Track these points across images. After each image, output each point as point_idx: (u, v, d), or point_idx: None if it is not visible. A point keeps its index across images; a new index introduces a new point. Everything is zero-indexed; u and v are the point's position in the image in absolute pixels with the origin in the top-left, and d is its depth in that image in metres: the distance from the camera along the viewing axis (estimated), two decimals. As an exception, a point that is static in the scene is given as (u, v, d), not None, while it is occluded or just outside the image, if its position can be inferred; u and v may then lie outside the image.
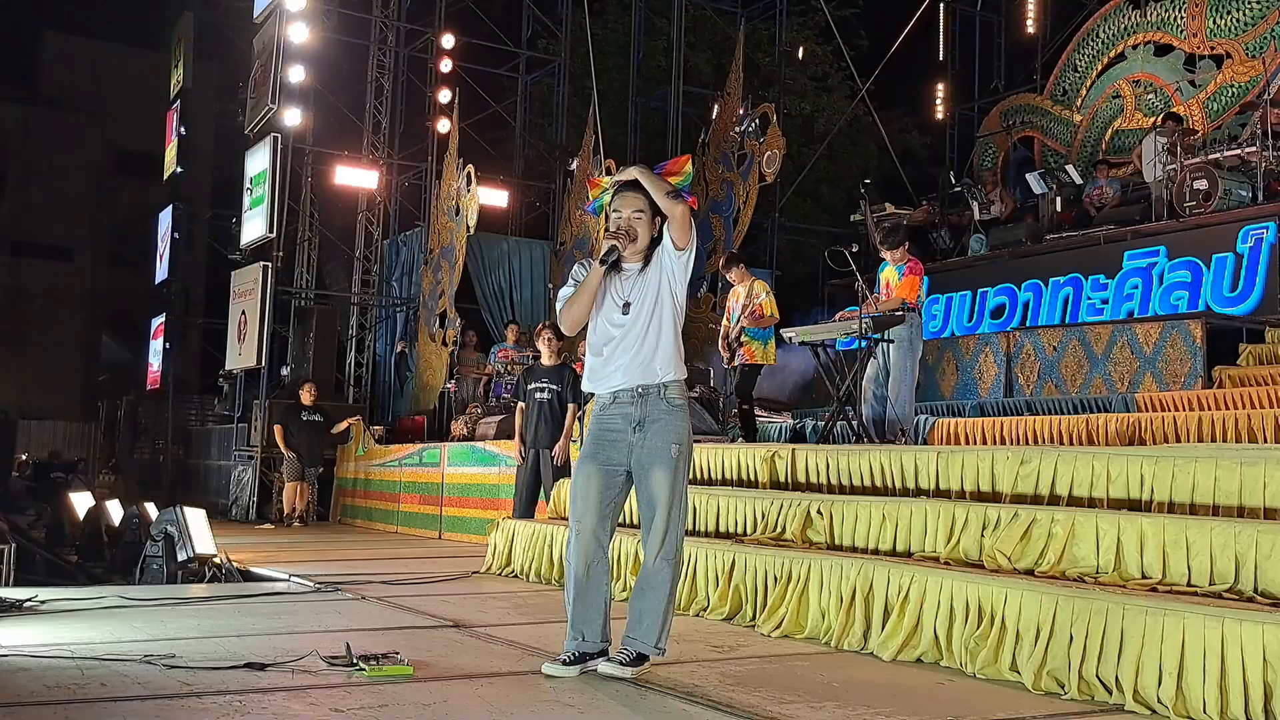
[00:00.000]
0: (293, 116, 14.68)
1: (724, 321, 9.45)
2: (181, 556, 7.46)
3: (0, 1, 26.72)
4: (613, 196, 4.11)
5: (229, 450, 15.42)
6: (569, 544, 4.10)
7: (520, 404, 8.76)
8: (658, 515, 3.98)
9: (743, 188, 14.46)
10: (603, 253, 4.01)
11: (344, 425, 13.48)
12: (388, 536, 11.78)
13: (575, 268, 4.16)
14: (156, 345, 19.79)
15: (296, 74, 14.62)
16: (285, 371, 15.56)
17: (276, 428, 12.78)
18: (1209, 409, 7.51)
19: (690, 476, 7.31)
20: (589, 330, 4.14)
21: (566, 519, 7.65)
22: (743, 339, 9.12)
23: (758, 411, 11.11)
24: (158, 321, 19.84)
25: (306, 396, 12.97)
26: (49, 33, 29.52)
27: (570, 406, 8.58)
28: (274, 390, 14.79)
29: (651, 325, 4.00)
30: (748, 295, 9.14)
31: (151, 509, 8.90)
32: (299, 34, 14.61)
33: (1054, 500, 5.04)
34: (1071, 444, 7.25)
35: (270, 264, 14.45)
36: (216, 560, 7.49)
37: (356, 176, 17.17)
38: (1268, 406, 7.21)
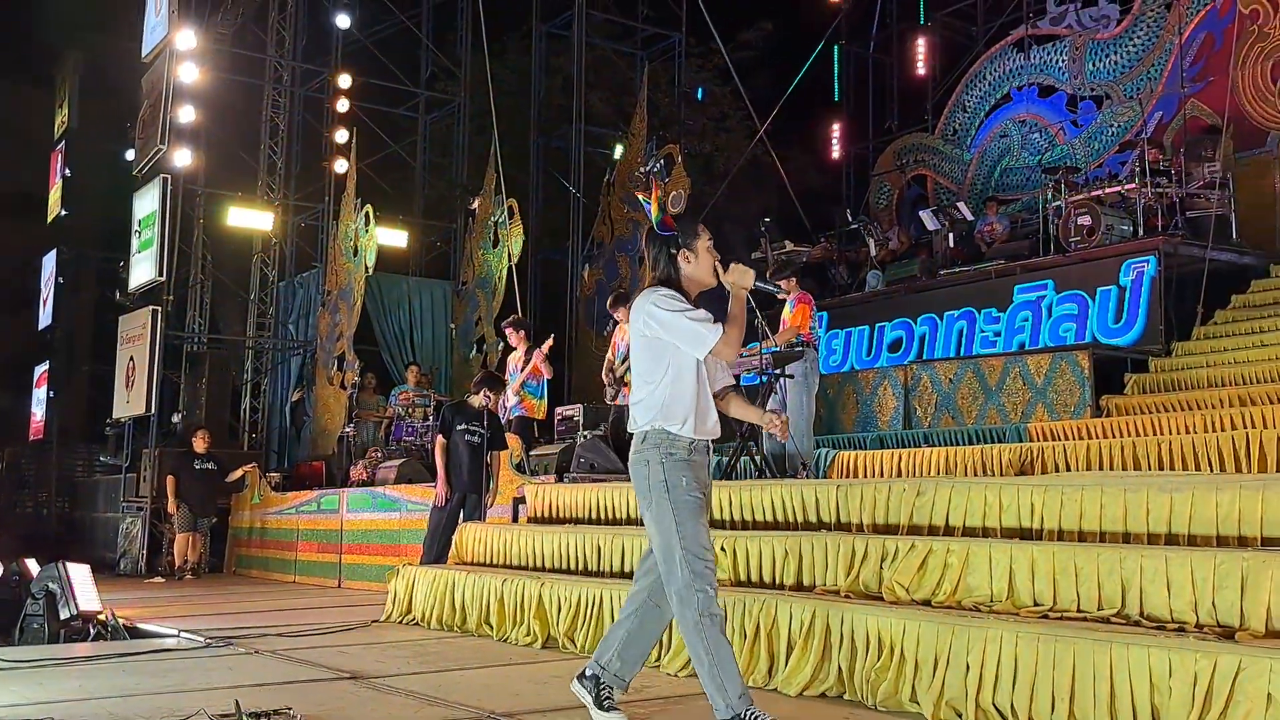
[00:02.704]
0: (183, 157, 14.36)
1: (609, 355, 9.63)
2: (64, 614, 7.15)
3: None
4: (688, 227, 3.89)
5: (117, 501, 14.87)
6: (710, 594, 3.65)
7: (441, 438, 8.47)
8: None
9: (648, 225, 14.54)
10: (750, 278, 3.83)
11: (239, 473, 13.12)
12: (285, 587, 11.46)
13: (679, 295, 3.80)
14: (40, 393, 19.09)
15: (187, 114, 14.32)
16: (176, 419, 15.12)
17: (168, 478, 12.39)
18: (1097, 438, 7.72)
19: (599, 517, 7.36)
20: (689, 374, 3.76)
21: (471, 564, 7.55)
22: (627, 377, 9.26)
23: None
24: (41, 369, 19.16)
25: (199, 444, 12.61)
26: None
27: (496, 455, 8.47)
28: (165, 438, 14.34)
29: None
30: None
31: (33, 565, 8.53)
32: (189, 74, 14.33)
33: (950, 530, 5.11)
34: (968, 474, 7.38)
35: (160, 308, 14.06)
36: (102, 617, 7.19)
37: (250, 218, 16.83)
38: (1152, 434, 7.43)
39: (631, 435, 3.85)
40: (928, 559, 4.66)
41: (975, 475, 7.26)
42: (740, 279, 3.80)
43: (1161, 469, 6.53)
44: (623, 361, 9.36)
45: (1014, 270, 11.55)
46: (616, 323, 9.85)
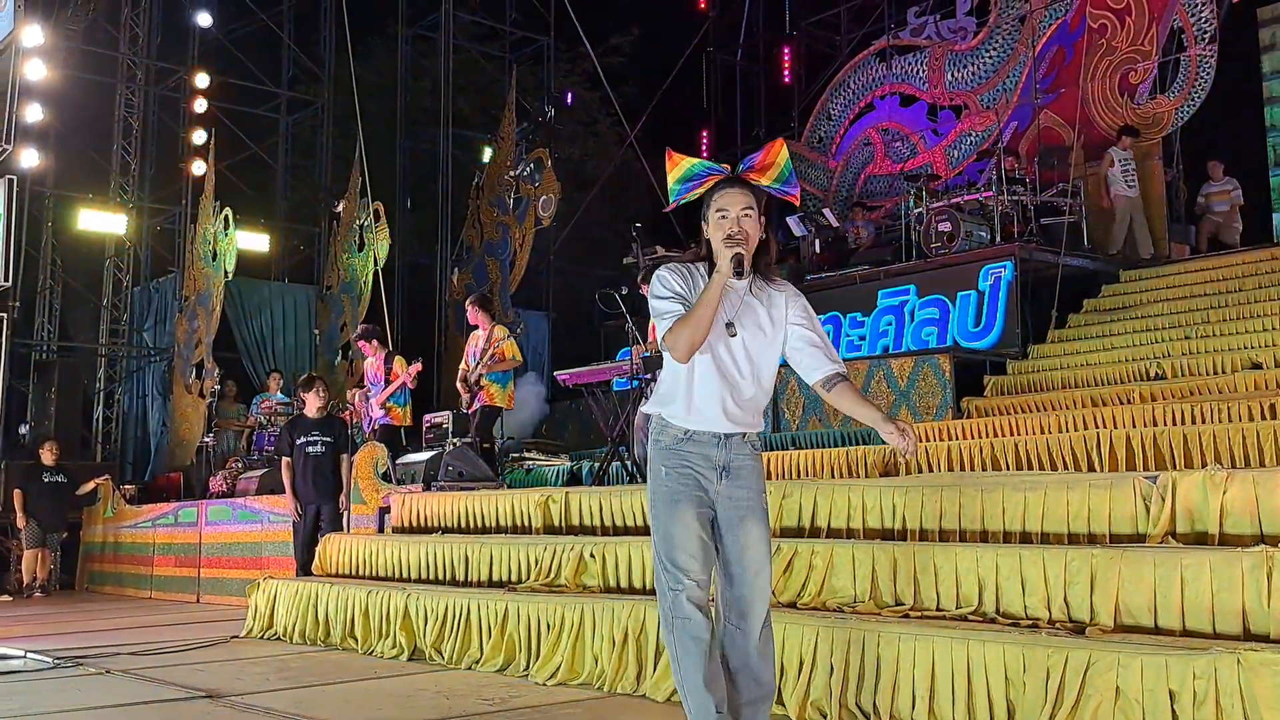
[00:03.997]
0: (30, 158, 13.67)
1: (462, 364, 9.62)
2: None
3: None
4: (709, 192, 3.48)
5: (-40, 518, 14.07)
6: (679, 594, 3.25)
7: (286, 459, 8.40)
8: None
9: (519, 231, 14.45)
10: (729, 261, 3.23)
11: (90, 486, 12.57)
12: (141, 603, 11.00)
13: (669, 278, 3.42)
14: (-126, 407, 17.95)
15: (34, 113, 13.63)
16: (24, 430, 14.39)
17: (16, 492, 11.80)
18: (958, 439, 7.94)
19: (468, 525, 7.25)
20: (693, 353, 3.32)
21: (335, 576, 7.36)
22: (483, 382, 9.24)
23: (535, 454, 11.13)
24: (-125, 380, 18.02)
25: (48, 456, 12.05)
26: None
27: (345, 459, 8.40)
28: (12, 451, 13.63)
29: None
30: (487, 340, 9.36)
31: None
32: (36, 71, 13.63)
33: (815, 532, 5.18)
34: (834, 476, 7.50)
35: (6, 315, 13.34)
36: (-61, 641, 6.77)
37: (103, 220, 16.12)
38: (1009, 435, 7.67)
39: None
40: (793, 561, 4.71)
41: (841, 477, 7.38)
42: (720, 262, 3.29)
43: (1019, 469, 6.74)
44: (476, 367, 9.37)
45: (878, 275, 11.83)
46: (474, 328, 9.78)
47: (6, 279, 13.30)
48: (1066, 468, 6.53)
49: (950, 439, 8.03)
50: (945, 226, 11.35)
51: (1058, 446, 6.67)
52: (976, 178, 12.77)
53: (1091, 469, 6.45)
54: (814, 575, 4.63)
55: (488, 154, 15.77)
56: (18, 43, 13.63)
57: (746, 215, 3.34)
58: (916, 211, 11.87)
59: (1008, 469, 6.78)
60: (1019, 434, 7.63)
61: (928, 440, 8.26)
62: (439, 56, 17.07)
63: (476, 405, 9.43)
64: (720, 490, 3.31)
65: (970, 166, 14.06)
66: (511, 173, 14.50)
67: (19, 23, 13.63)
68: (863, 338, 11.66)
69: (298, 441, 8.35)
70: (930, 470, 7.16)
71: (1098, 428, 7.11)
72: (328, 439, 8.34)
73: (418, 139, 18.12)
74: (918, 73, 15.41)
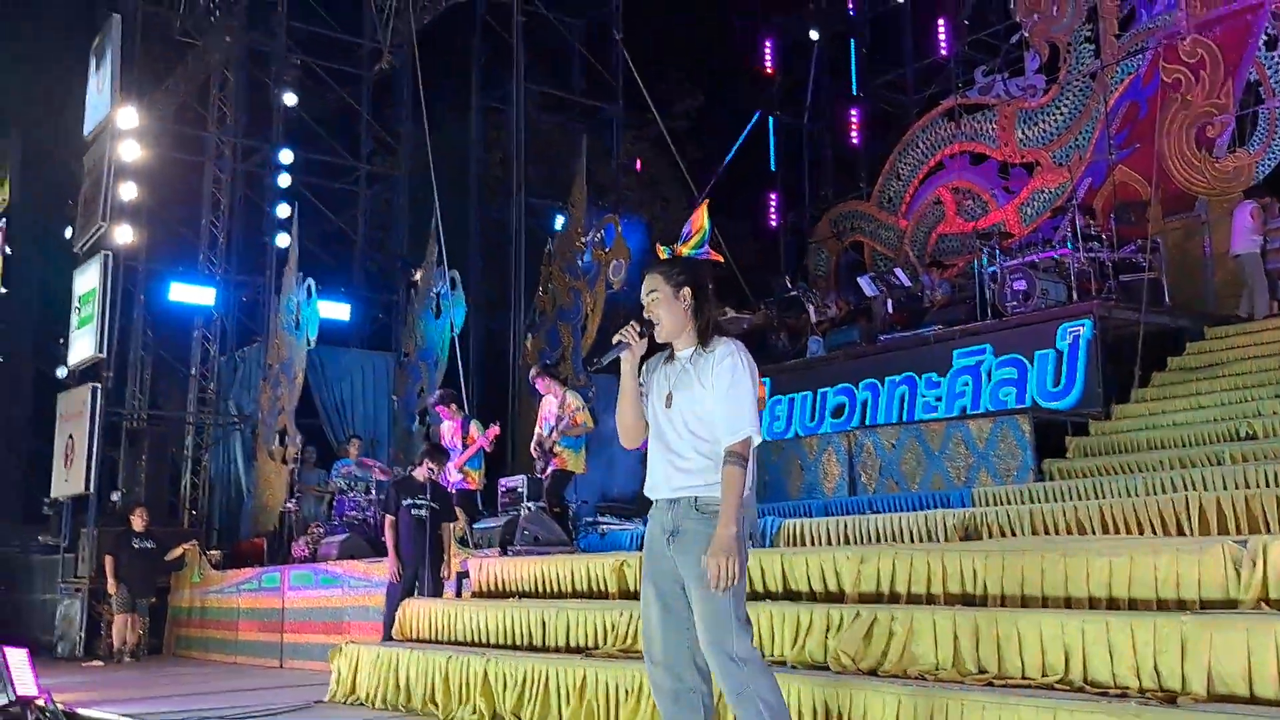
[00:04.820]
0: (124, 234, 14.24)
1: (536, 430, 9.74)
2: (1, 700, 6.91)
3: None
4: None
5: (54, 582, 14.48)
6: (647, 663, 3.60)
7: (390, 517, 8.44)
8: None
9: (590, 295, 14.63)
10: (610, 353, 3.70)
11: (178, 552, 12.86)
12: (226, 668, 11.18)
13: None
14: (-24, 472, 18.64)
15: (128, 191, 14.24)
16: (116, 497, 14.81)
17: (107, 557, 12.12)
18: (1040, 501, 7.80)
19: (544, 590, 7.29)
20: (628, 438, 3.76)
21: (415, 641, 7.44)
22: (556, 448, 9.28)
23: (609, 518, 11.18)
24: (-23, 446, 18.73)
25: (138, 522, 12.37)
26: None
27: (447, 527, 8.49)
28: (104, 517, 14.03)
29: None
30: (560, 406, 9.48)
31: (-33, 649, 8.26)
32: (131, 151, 14.27)
33: (895, 598, 5.13)
34: (912, 541, 7.42)
35: (100, 385, 13.83)
36: (40, 703, 6.95)
37: (192, 293, 16.69)
38: (1094, 498, 7.53)
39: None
40: (873, 628, 4.67)
41: (920, 542, 7.29)
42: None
43: (1105, 533, 6.61)
44: (550, 433, 9.51)
45: (953, 335, 11.72)
46: (542, 395, 9.92)
47: (101, 350, 13.84)
48: (1154, 532, 6.39)
49: (1032, 502, 7.90)
50: (1020, 285, 11.24)
51: (1144, 510, 6.53)
52: (1051, 235, 12.64)
53: (1180, 533, 6.30)
54: (894, 642, 4.59)
55: (560, 221, 16.03)
56: (114, 125, 14.29)
57: (652, 300, 3.69)
58: (990, 270, 11.77)
59: (1092, 533, 6.65)
60: (1104, 497, 7.48)
61: (1009, 504, 8.13)
62: (510, 127, 17.46)
63: (550, 470, 9.53)
64: (672, 554, 3.52)
65: (1044, 224, 13.92)
66: (583, 238, 14.73)
67: (115, 106, 14.31)
68: (939, 398, 11.53)
69: (404, 502, 8.36)
70: (1012, 534, 7.05)
71: (1186, 490, 6.95)
72: (434, 505, 8.40)
73: (491, 207, 18.52)
74: (987, 131, 15.38)
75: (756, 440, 3.57)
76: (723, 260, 3.75)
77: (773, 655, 5.00)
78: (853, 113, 18.21)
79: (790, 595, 5.61)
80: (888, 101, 18.37)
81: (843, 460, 10.73)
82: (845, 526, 8.00)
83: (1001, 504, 8.19)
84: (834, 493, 10.60)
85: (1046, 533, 6.92)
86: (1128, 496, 7.05)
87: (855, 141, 18.15)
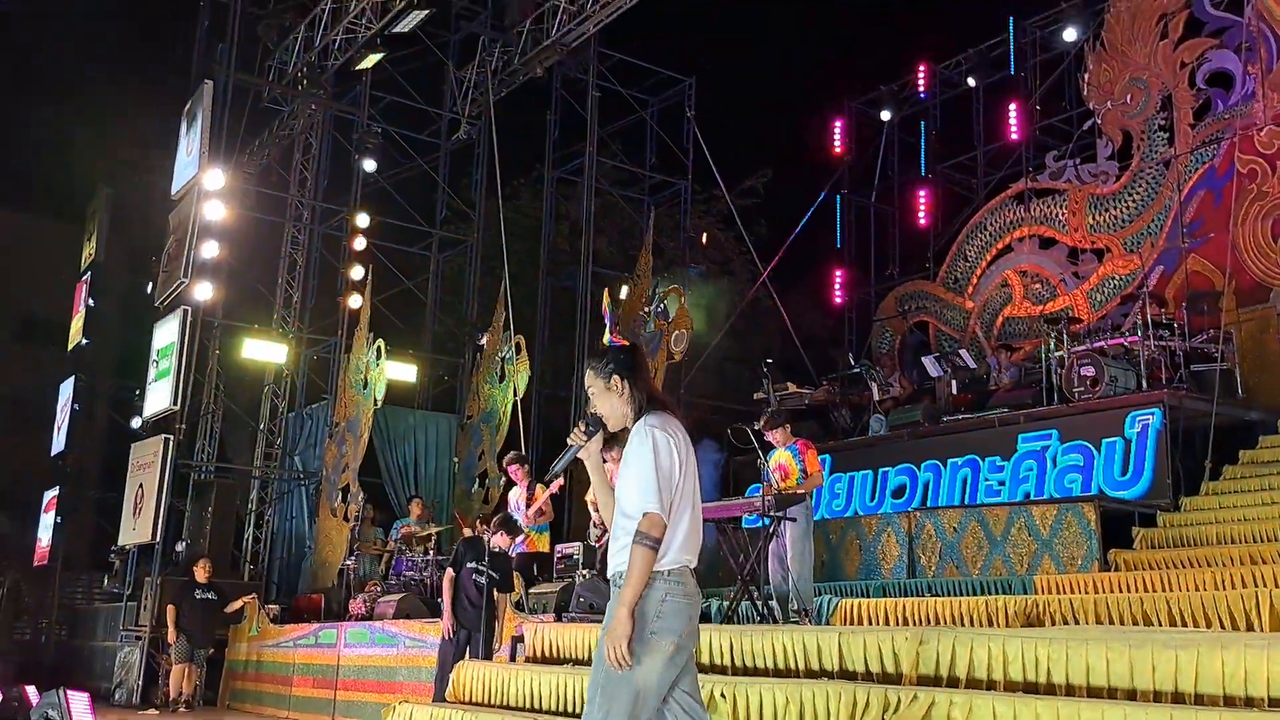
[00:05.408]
0: (204, 291, 14.66)
1: (589, 496, 9.81)
2: (58, 746, 7.04)
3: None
4: None
5: (116, 630, 14.71)
6: None
7: (451, 573, 8.47)
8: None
9: (651, 365, 14.74)
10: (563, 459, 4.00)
11: (238, 604, 13.01)
12: (278, 723, 11.25)
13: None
14: (48, 519, 19.06)
15: (211, 250, 14.67)
16: (180, 547, 15.05)
17: (169, 607, 12.31)
18: (1105, 592, 7.67)
19: (588, 656, 7.27)
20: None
21: (468, 704, 7.44)
22: None
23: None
24: (51, 494, 19.18)
25: (201, 573, 12.55)
26: (-40, 203, 29.33)
27: (503, 598, 8.55)
28: (168, 567, 14.27)
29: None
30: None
31: (33, 693, 8.43)
32: (215, 211, 14.73)
33: (953, 681, 5.07)
34: (972, 625, 7.31)
35: (172, 436, 14.16)
36: (95, 750, 7.07)
37: (265, 350, 17.09)
38: (1161, 590, 7.38)
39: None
40: (931, 710, 4.62)
41: (981, 626, 7.19)
42: None
43: (1172, 625, 6.47)
44: None
45: (1018, 419, 11.62)
46: (605, 460, 9.94)
47: (176, 402, 14.19)
48: (1222, 626, 6.25)
49: (1097, 591, 7.76)
50: (1089, 371, 11.14)
51: (1213, 604, 6.39)
52: (1120, 322, 12.54)
53: (1250, 628, 6.15)
54: (952, 727, 4.54)
55: (624, 291, 16.22)
56: (200, 186, 14.80)
57: (593, 395, 3.89)
58: (1058, 355, 11.69)
59: (1159, 625, 6.52)
60: (1171, 589, 7.33)
61: (1073, 593, 7.99)
62: (581, 199, 17.79)
63: (606, 537, 9.56)
64: None
65: (1113, 310, 13.82)
66: (646, 308, 14.89)
67: (203, 167, 14.83)
68: (1002, 483, 11.41)
69: (469, 563, 8.40)
70: (1075, 623, 6.93)
71: (1256, 586, 6.80)
72: (494, 574, 8.46)
73: (559, 276, 18.81)
74: (1057, 215, 15.34)
75: (655, 514, 3.56)
76: (626, 343, 3.98)
77: (827, 734, 4.96)
78: (921, 193, 18.26)
79: (847, 674, 5.56)
80: (956, 183, 18.42)
81: (902, 541, 10.62)
82: (904, 608, 7.91)
83: (1065, 592, 8.06)
84: (892, 574, 10.49)
85: (1111, 623, 6.79)
86: (1196, 591, 6.91)
87: (923, 222, 18.17)
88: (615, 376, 3.81)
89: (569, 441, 3.90)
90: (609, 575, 3.74)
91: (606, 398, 3.84)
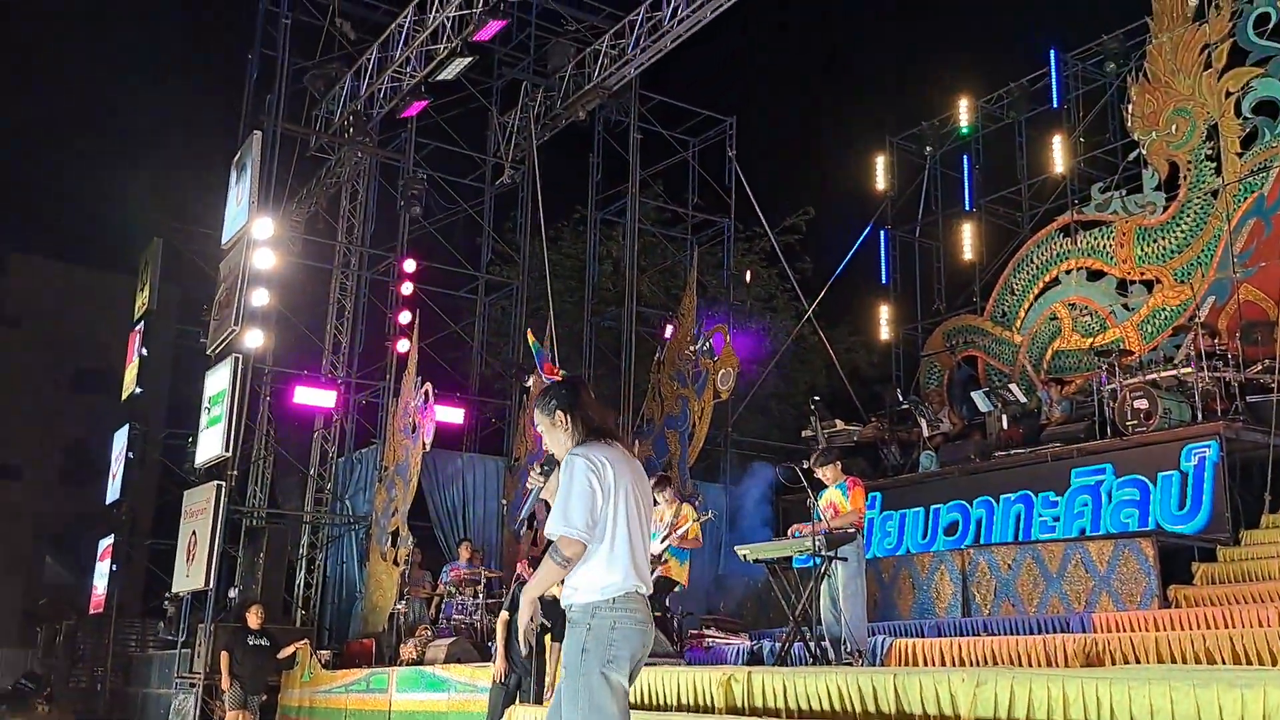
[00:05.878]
0: (254, 338, 14.86)
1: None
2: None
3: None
4: None
5: (169, 677, 14.81)
6: None
7: (505, 614, 8.42)
8: None
9: (697, 404, 14.74)
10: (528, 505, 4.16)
11: (290, 650, 13.03)
12: (331, 769, 11.26)
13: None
14: (103, 567, 19.33)
15: (260, 297, 14.89)
16: (233, 593, 15.17)
17: (222, 654, 12.35)
18: (1166, 629, 7.51)
19: (646, 701, 7.22)
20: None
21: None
22: (665, 556, 9.40)
23: (714, 631, 11.07)
24: (106, 542, 19.48)
25: (254, 619, 12.58)
26: (16, 255, 30.09)
27: (553, 645, 8.47)
28: (220, 613, 14.37)
29: None
30: (675, 516, 9.46)
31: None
32: (264, 260, 14.96)
33: (1013, 724, 4.98)
34: (1030, 665, 7.19)
35: (224, 483, 14.31)
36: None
37: (315, 396, 17.27)
38: (1223, 627, 7.23)
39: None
40: (992, 754, 4.54)
41: (1039, 666, 7.07)
42: None
43: (1236, 663, 6.33)
44: (661, 541, 9.46)
45: (1071, 453, 11.48)
46: (655, 503, 9.89)
47: (228, 449, 14.36)
48: (1288, 663, 6.10)
49: (1157, 629, 7.60)
50: (1142, 404, 10.99)
51: (1278, 640, 6.24)
52: (1173, 353, 12.37)
53: (1317, 666, 6.00)
54: (1013, 770, 4.45)
55: (669, 330, 16.26)
56: (250, 235, 15.06)
57: (543, 433, 4.00)
58: (1110, 388, 11.54)
59: (1223, 663, 6.37)
60: (1234, 626, 7.17)
61: (1132, 630, 7.84)
62: (624, 239, 17.89)
63: (654, 576, 9.49)
64: None
65: (1165, 342, 13.64)
66: (691, 348, 14.90)
67: (252, 216, 15.10)
68: (1056, 518, 11.25)
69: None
70: (1136, 661, 6.79)
71: (1322, 621, 6.64)
72: (546, 621, 8.35)
73: (602, 316, 18.89)
74: (1105, 247, 15.19)
75: (566, 537, 3.69)
76: (559, 376, 4.24)
77: (885, 779, 4.89)
78: (965, 227, 18.18)
79: (902, 717, 5.48)
80: (1001, 217, 18.31)
81: (956, 579, 10.49)
82: (959, 647, 7.80)
83: (1125, 630, 7.91)
84: (947, 612, 10.35)
85: (1173, 661, 6.65)
86: (1260, 627, 6.75)
87: (968, 256, 18.07)
88: (559, 412, 3.92)
89: (528, 485, 4.04)
90: (563, 605, 3.86)
91: (553, 434, 3.96)
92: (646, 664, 8.19)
